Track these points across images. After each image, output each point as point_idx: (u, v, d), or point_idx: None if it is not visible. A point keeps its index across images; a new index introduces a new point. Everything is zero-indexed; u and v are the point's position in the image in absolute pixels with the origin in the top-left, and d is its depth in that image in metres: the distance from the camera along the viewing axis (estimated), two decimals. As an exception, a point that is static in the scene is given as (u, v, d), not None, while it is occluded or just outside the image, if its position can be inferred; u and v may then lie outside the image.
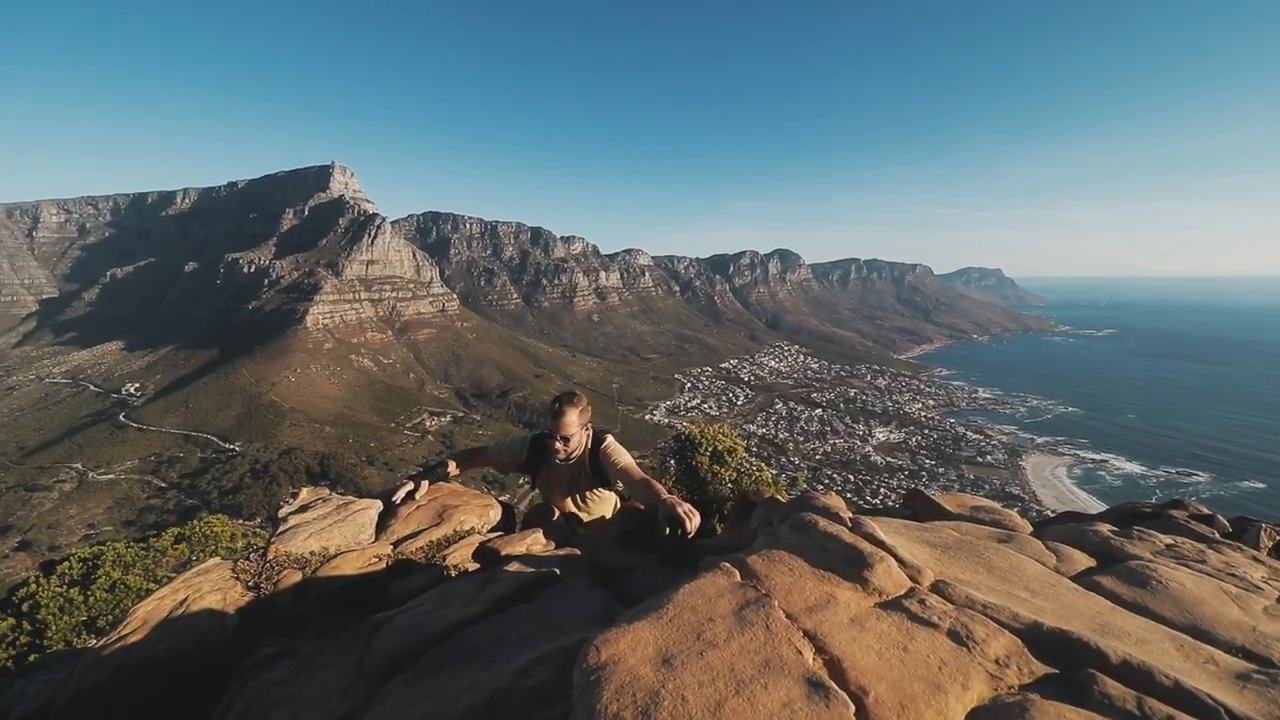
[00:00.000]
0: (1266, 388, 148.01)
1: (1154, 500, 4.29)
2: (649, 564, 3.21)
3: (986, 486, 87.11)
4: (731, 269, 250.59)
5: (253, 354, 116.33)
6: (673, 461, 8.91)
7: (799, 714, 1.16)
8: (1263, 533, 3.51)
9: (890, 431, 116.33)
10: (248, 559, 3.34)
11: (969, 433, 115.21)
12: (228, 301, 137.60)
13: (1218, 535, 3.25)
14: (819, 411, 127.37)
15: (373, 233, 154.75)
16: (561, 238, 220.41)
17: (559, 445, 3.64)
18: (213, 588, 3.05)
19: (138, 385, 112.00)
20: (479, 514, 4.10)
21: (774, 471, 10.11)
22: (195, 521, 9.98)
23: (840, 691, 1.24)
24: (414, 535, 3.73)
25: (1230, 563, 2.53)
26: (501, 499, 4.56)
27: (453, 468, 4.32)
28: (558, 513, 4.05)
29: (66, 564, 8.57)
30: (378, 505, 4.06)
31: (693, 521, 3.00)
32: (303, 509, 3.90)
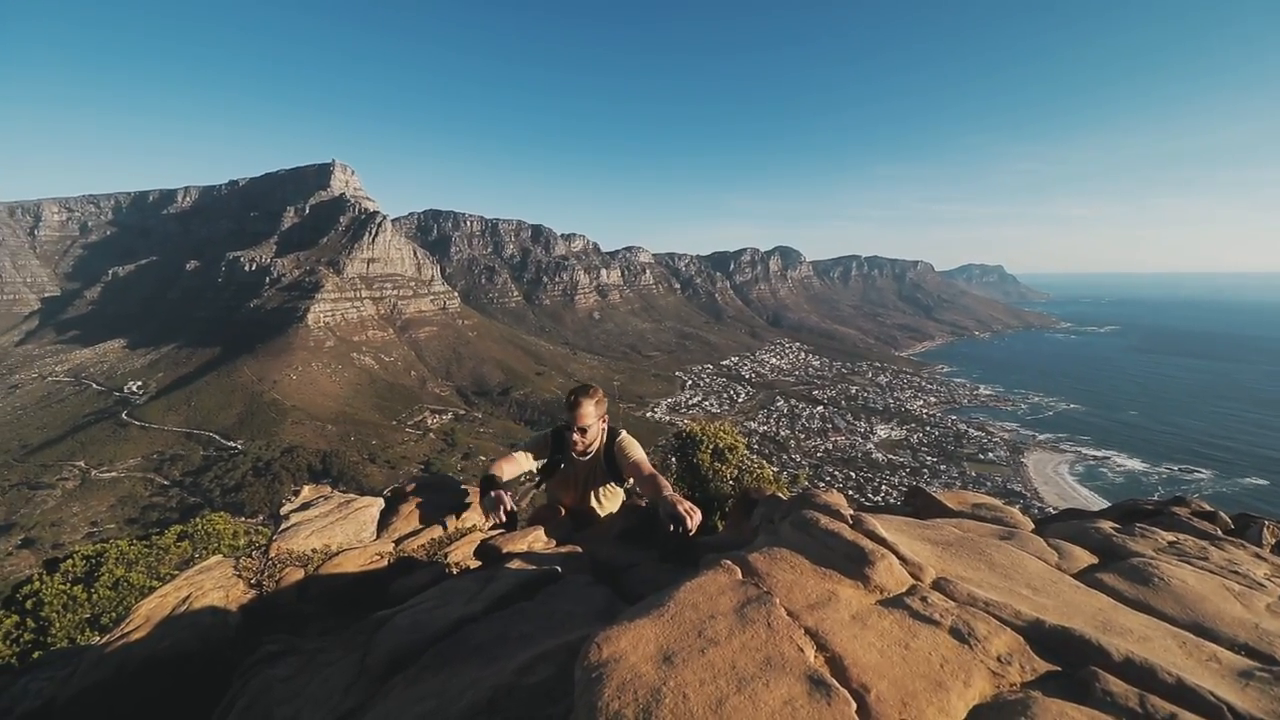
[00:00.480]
0: (1269, 384, 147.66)
1: (1156, 497, 4.29)
2: (650, 561, 3.21)
3: (988, 484, 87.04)
4: (732, 266, 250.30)
5: (254, 352, 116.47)
6: (674, 459, 8.90)
7: (801, 711, 1.16)
8: (1265, 529, 3.50)
9: (892, 429, 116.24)
10: (250, 556, 3.35)
11: (971, 430, 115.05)
12: (229, 300, 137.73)
13: (1220, 532, 3.25)
14: (820, 409, 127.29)
15: (374, 231, 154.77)
16: (562, 235, 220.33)
17: (576, 436, 3.68)
18: (215, 585, 3.06)
19: (140, 383, 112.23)
20: (480, 511, 4.10)
21: (775, 469, 10.10)
22: (198, 519, 10.00)
23: (842, 689, 1.24)
24: (416, 533, 3.74)
25: (1233, 560, 2.53)
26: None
27: (499, 474, 3.82)
28: (564, 510, 4.06)
29: (70, 561, 8.59)
30: (379, 503, 4.07)
31: (694, 519, 3.00)
32: (305, 507, 3.91)
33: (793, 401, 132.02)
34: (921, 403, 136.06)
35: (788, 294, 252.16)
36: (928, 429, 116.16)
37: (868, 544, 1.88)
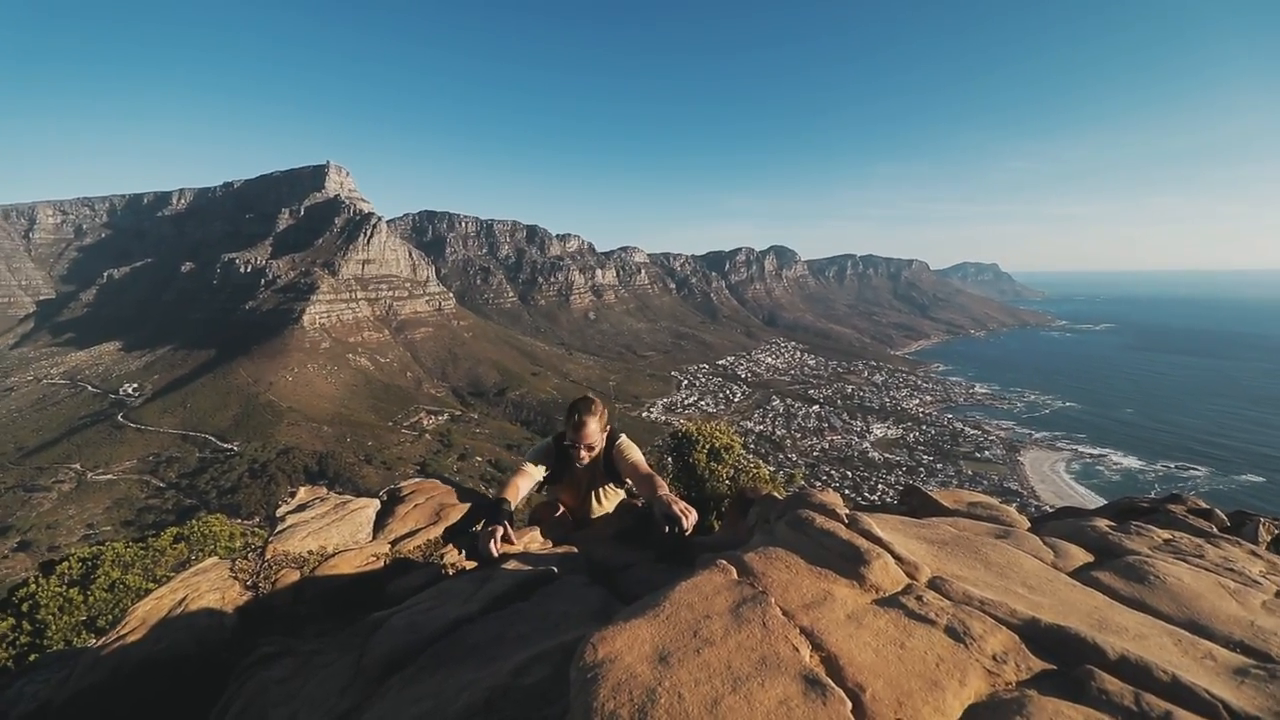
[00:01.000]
0: (1265, 382, 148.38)
1: (1152, 495, 4.30)
2: (646, 561, 3.21)
3: (985, 482, 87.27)
4: (728, 266, 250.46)
5: (250, 354, 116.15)
6: (670, 459, 8.89)
7: (796, 711, 1.16)
8: (1261, 527, 3.52)
9: (888, 428, 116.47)
10: (246, 558, 3.34)
11: (967, 428, 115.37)
12: (225, 302, 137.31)
13: (1216, 530, 3.26)
14: (816, 408, 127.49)
15: (369, 232, 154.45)
16: (557, 236, 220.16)
17: (583, 453, 3.71)
18: (211, 587, 3.05)
19: (135, 385, 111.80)
20: (476, 515, 4.10)
21: (771, 468, 10.10)
22: (194, 521, 9.96)
23: (837, 688, 1.24)
24: (411, 534, 3.73)
25: (1228, 557, 2.53)
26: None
27: (512, 496, 3.61)
28: (562, 509, 4.06)
29: (66, 564, 8.55)
30: (375, 504, 4.06)
31: (689, 519, 3.00)
32: (301, 508, 3.90)
33: (789, 401, 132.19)
34: (917, 401, 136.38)
35: (783, 293, 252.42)
36: (924, 428, 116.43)
37: (863, 543, 1.88)
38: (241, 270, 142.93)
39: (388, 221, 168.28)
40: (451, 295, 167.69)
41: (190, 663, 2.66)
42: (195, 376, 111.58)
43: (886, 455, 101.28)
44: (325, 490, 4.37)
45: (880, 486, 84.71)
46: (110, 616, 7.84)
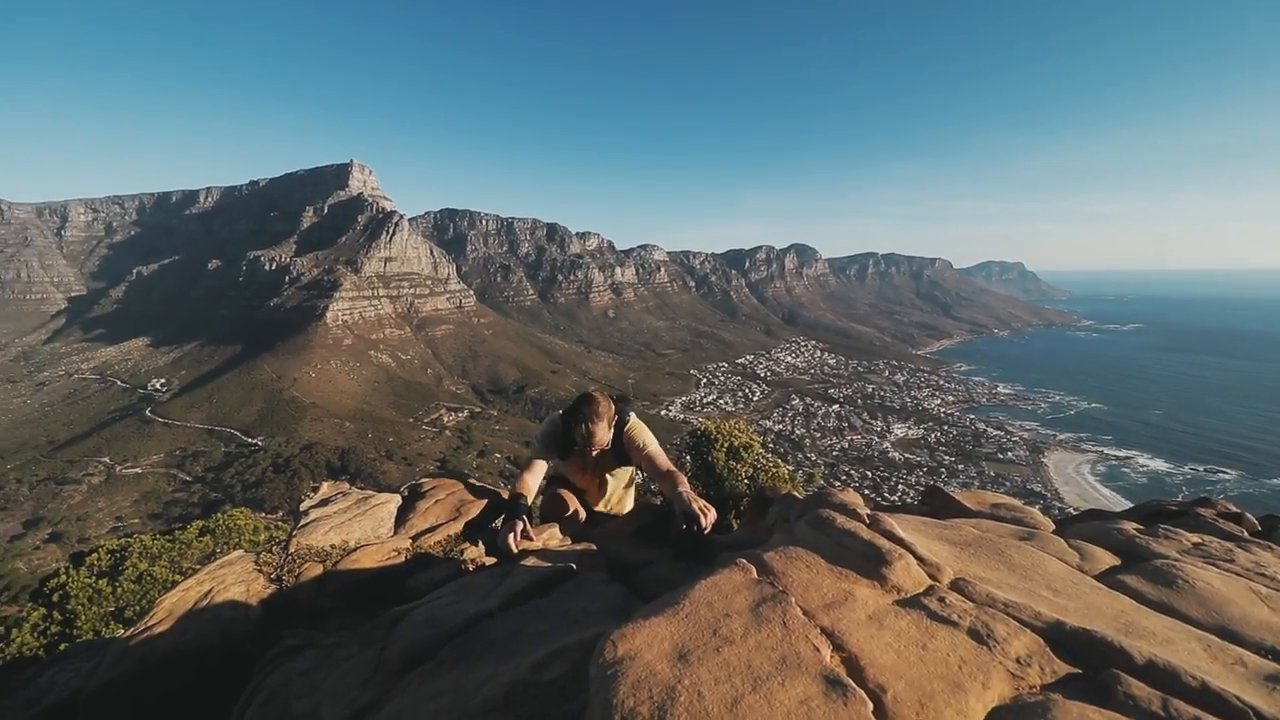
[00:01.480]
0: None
1: (1180, 498, 4.20)
2: (665, 559, 3.21)
3: (1007, 483, 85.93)
4: (747, 264, 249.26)
5: (274, 350, 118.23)
6: (689, 457, 8.88)
7: (816, 711, 1.15)
8: (1294, 532, 3.42)
9: (909, 428, 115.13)
10: (270, 552, 3.40)
11: (989, 429, 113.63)
12: (250, 298, 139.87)
13: (1246, 534, 3.18)
14: (836, 407, 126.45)
15: (391, 230, 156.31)
16: (577, 234, 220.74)
17: (593, 451, 3.66)
18: (236, 580, 3.11)
19: (163, 381, 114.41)
20: (496, 511, 4.12)
21: (790, 468, 10.04)
22: (219, 515, 10.16)
23: (858, 689, 1.23)
24: (432, 529, 3.77)
25: (1260, 562, 2.47)
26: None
27: (527, 491, 3.63)
28: (572, 507, 4.05)
29: (95, 555, 8.78)
30: (397, 499, 4.11)
31: (708, 518, 3.00)
32: (324, 503, 3.96)
33: (808, 400, 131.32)
34: (939, 401, 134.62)
35: (803, 292, 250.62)
36: (945, 428, 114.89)
37: (884, 543, 1.87)
38: (266, 268, 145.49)
39: (409, 219, 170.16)
40: (472, 293, 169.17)
41: (215, 654, 2.71)
42: (221, 372, 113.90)
43: (907, 455, 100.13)
44: (348, 485, 4.43)
45: (901, 487, 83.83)
46: (137, 608, 8.02)
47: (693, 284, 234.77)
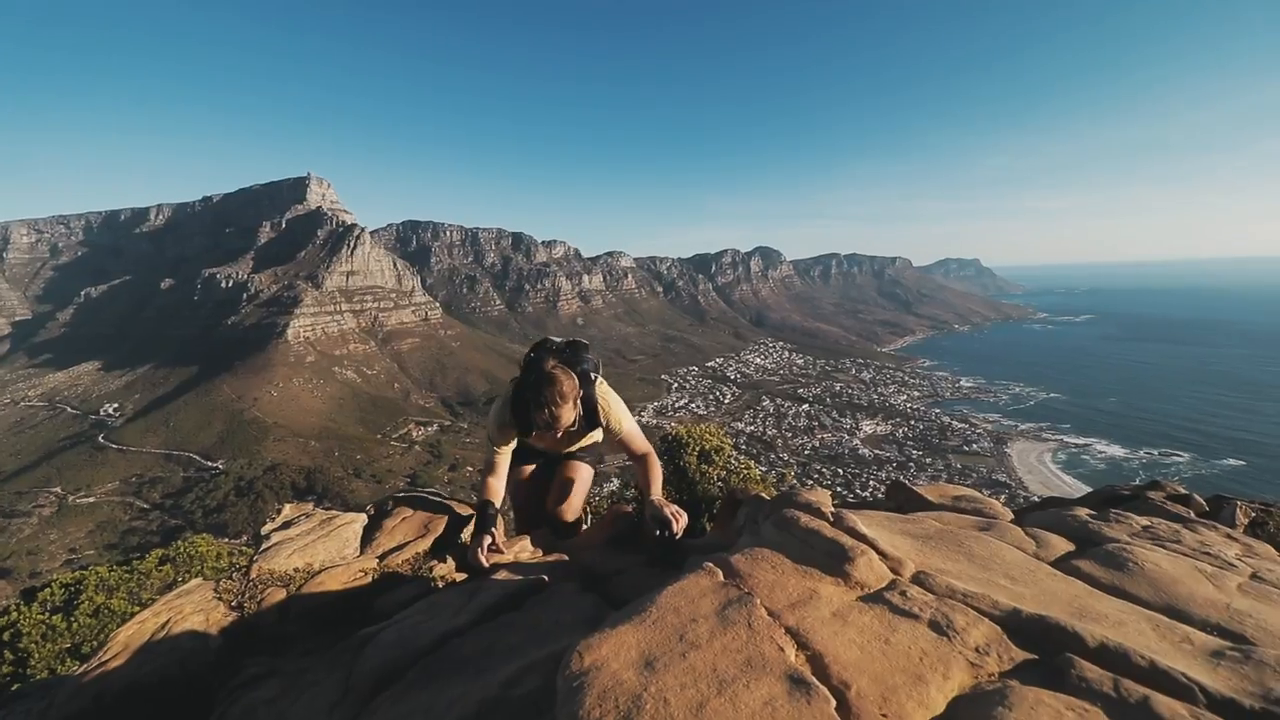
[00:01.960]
0: (1244, 367, 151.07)
1: (1135, 482, 4.36)
2: (638, 566, 3.20)
3: (974, 475, 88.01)
4: (714, 268, 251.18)
5: (233, 370, 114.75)
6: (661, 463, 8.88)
7: (780, 712, 1.16)
8: (1239, 510, 3.58)
9: (877, 424, 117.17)
10: (230, 578, 3.30)
11: (954, 422, 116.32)
12: (206, 318, 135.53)
13: (1194, 515, 3.32)
14: (806, 407, 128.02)
15: (352, 243, 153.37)
16: (543, 242, 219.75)
17: (556, 434, 3.13)
18: (195, 609, 3.01)
19: (116, 405, 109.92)
20: (464, 524, 4.07)
21: (763, 469, 10.11)
22: (179, 542, 9.80)
23: (822, 687, 1.24)
24: (400, 547, 3.70)
25: (1205, 541, 2.58)
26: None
27: (494, 497, 3.46)
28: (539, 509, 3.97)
29: (48, 590, 8.38)
30: (362, 519, 4.02)
31: (679, 522, 3.02)
32: (286, 525, 3.85)
33: (778, 401, 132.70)
34: (905, 397, 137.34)
35: (769, 294, 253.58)
36: (912, 423, 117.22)
37: (847, 540, 1.90)
38: (223, 285, 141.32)
39: (371, 232, 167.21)
40: (438, 305, 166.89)
41: (175, 686, 2.61)
42: (177, 394, 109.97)
43: (877, 451, 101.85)
44: (311, 506, 4.32)
45: (871, 483, 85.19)
46: (95, 643, 7.69)
47: (660, 289, 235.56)
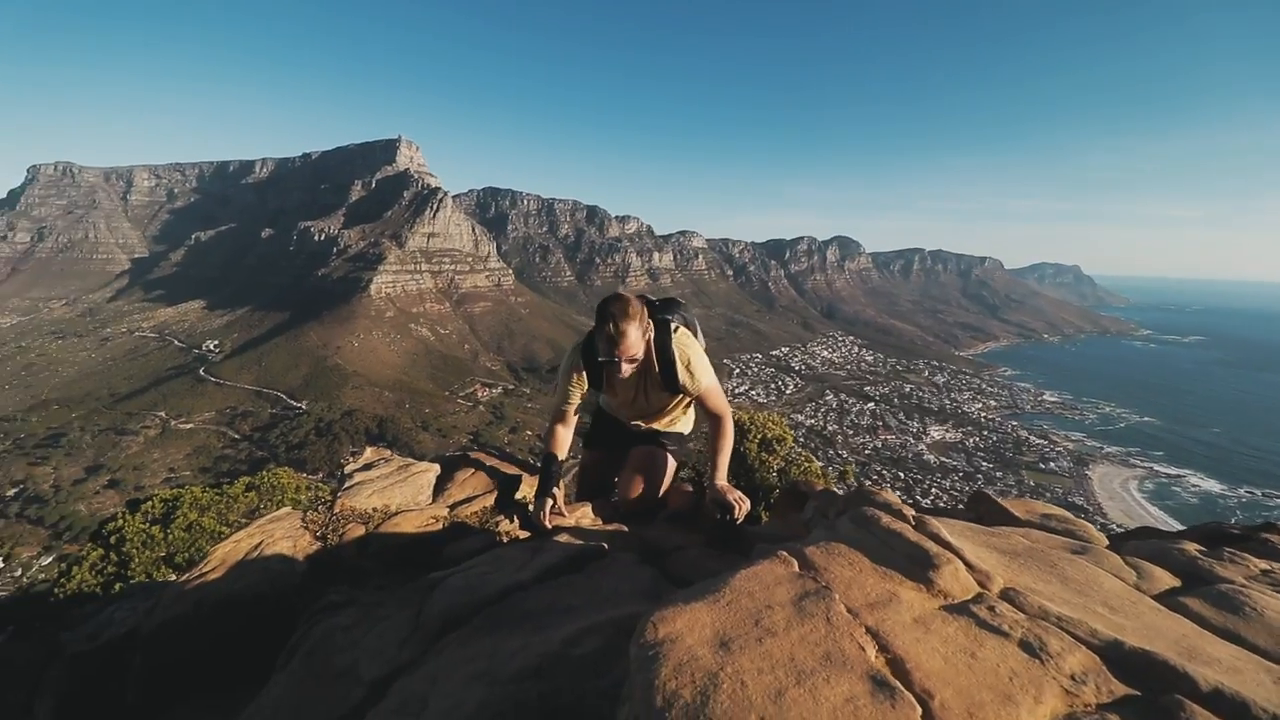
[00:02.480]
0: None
1: (1234, 521, 3.99)
2: (697, 545, 3.20)
3: (1048, 494, 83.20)
4: (788, 255, 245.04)
5: (320, 318, 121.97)
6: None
7: (863, 710, 1.12)
8: (1369, 565, 3.21)
9: (946, 430, 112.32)
10: (316, 510, 3.51)
11: (1032, 437, 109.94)
12: (300, 268, 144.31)
13: (1318, 564, 3.00)
14: (871, 405, 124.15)
15: (435, 206, 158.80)
16: (616, 217, 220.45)
17: (625, 367, 2.95)
18: (284, 535, 3.22)
19: (216, 342, 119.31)
20: (530, 484, 4.18)
21: (822, 464, 9.91)
22: (264, 472, 10.54)
23: (906, 692, 1.19)
24: (469, 500, 3.84)
25: (1334, 594, 2.32)
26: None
27: (559, 449, 3.33)
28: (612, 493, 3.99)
29: (149, 503, 9.20)
30: (436, 469, 4.20)
31: (742, 508, 2.98)
32: (366, 467, 4.07)
33: (842, 396, 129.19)
34: (980, 405, 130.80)
35: (844, 285, 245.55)
36: (985, 433, 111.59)
37: (932, 546, 1.81)
38: (316, 238, 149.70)
39: (453, 197, 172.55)
40: (511, 271, 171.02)
41: (264, 603, 2.83)
42: (270, 337, 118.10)
43: (943, 459, 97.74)
44: (389, 452, 4.54)
45: (934, 490, 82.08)
46: (186, 555, 8.42)
47: (731, 273, 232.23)
